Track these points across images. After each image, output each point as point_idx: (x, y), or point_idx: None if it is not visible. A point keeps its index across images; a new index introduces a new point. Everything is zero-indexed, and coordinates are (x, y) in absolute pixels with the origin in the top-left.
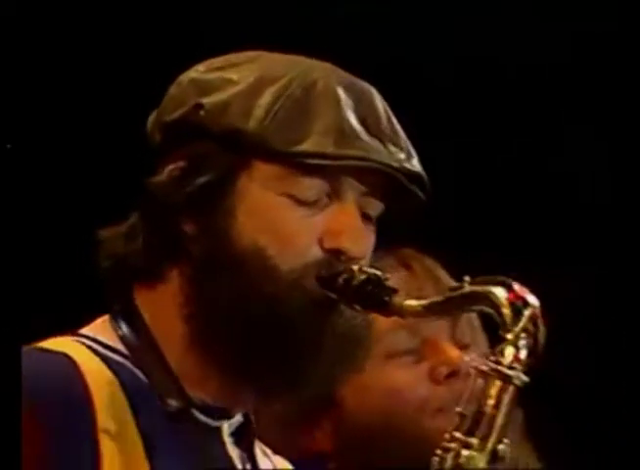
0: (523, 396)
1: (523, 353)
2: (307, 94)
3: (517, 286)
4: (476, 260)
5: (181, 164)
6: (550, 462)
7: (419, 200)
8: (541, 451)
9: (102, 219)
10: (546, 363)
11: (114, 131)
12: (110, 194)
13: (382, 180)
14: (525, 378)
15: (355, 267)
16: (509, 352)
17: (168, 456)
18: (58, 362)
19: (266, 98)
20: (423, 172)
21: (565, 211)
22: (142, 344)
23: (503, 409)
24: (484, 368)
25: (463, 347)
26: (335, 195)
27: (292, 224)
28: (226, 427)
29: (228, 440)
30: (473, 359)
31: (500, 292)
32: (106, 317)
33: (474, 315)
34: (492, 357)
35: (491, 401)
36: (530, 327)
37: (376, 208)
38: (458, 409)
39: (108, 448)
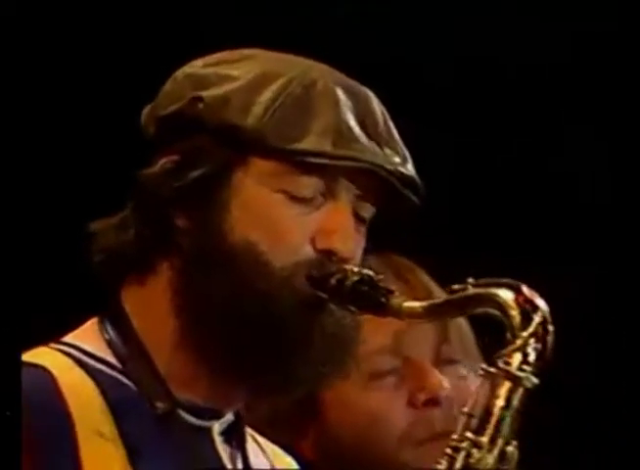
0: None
1: (532, 356)
2: (307, 93)
3: (525, 289)
4: (475, 261)
5: (175, 157)
6: (550, 462)
7: (412, 204)
8: (541, 451)
9: (97, 215)
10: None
11: (110, 129)
12: (105, 190)
13: (376, 182)
14: (535, 380)
15: (348, 267)
16: (518, 354)
17: (155, 461)
18: (32, 376)
19: (266, 95)
20: (417, 177)
21: (565, 210)
22: (129, 348)
23: (512, 411)
24: (493, 370)
25: (451, 362)
26: (329, 194)
27: (285, 221)
28: (216, 427)
29: (218, 439)
30: (454, 386)
31: (507, 294)
32: (94, 320)
33: (465, 329)
34: (501, 359)
35: (500, 402)
36: (540, 330)
37: (369, 209)
38: (466, 410)
39: (89, 459)
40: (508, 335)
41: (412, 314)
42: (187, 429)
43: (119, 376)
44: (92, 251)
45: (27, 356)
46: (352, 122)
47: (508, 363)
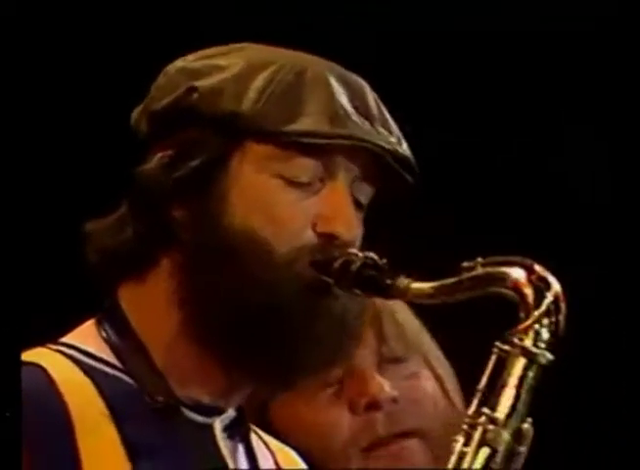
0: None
1: (546, 333)
2: (299, 79)
3: (537, 266)
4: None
5: (171, 150)
6: (550, 462)
7: (408, 184)
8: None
9: (93, 215)
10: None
11: (107, 129)
12: (101, 189)
13: (372, 163)
14: (550, 356)
15: (352, 251)
16: (532, 331)
17: (156, 459)
18: (29, 375)
19: (259, 82)
20: (412, 157)
21: (565, 211)
22: (127, 345)
23: (527, 387)
24: (507, 347)
25: (395, 361)
26: (328, 178)
27: (285, 207)
28: (218, 423)
29: (220, 436)
30: (401, 386)
31: (518, 272)
32: (91, 322)
33: (408, 324)
34: (515, 336)
35: (515, 379)
36: (553, 307)
37: (366, 193)
38: (479, 387)
39: (88, 458)
40: (521, 313)
41: (420, 295)
42: (188, 426)
43: (118, 374)
44: (88, 251)
45: (24, 357)
46: (346, 105)
47: (522, 340)
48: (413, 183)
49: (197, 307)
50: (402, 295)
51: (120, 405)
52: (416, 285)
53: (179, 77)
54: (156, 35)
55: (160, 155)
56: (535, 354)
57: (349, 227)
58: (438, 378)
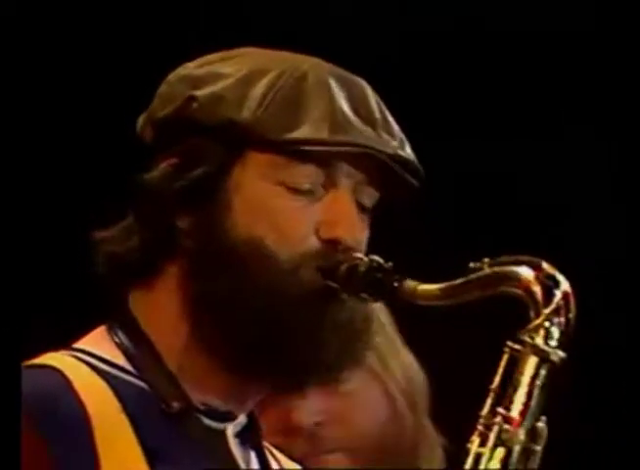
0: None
1: (556, 331)
2: (299, 85)
3: (545, 264)
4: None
5: (174, 159)
6: (550, 462)
7: (412, 188)
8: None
9: (99, 222)
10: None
11: (112, 135)
12: (106, 197)
13: (375, 168)
14: (561, 354)
15: (357, 255)
16: (543, 329)
17: (172, 463)
18: (46, 376)
19: (258, 89)
20: (416, 160)
21: (566, 210)
22: (140, 350)
23: (539, 386)
24: (518, 347)
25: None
26: (330, 184)
27: (289, 214)
28: (230, 429)
29: (233, 441)
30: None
31: (526, 271)
32: (103, 328)
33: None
34: (526, 335)
35: (528, 378)
36: (562, 305)
37: (371, 196)
38: (492, 387)
39: (106, 459)
40: (531, 312)
41: (428, 297)
42: (202, 431)
43: (133, 379)
44: (97, 260)
45: (39, 361)
46: (347, 110)
47: (533, 339)
48: (417, 186)
49: (203, 315)
50: (409, 297)
51: (137, 410)
52: (423, 287)
53: (180, 86)
54: (157, 36)
55: (163, 164)
56: (547, 353)
57: (353, 232)
58: (388, 394)
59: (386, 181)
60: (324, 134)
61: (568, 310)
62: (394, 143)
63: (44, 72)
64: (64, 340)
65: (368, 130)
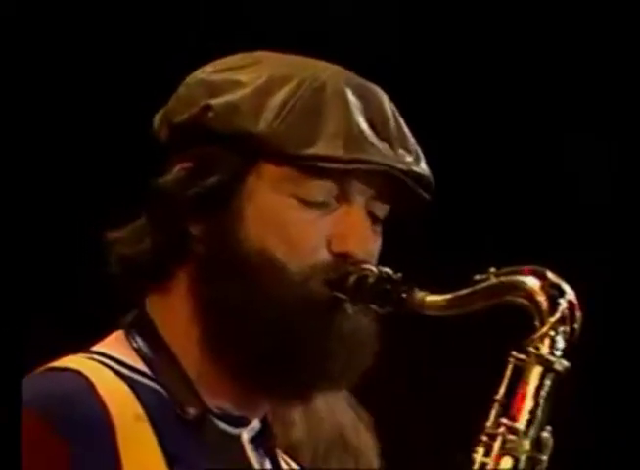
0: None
1: (561, 340)
2: (316, 96)
3: (550, 274)
4: (473, 262)
5: (189, 164)
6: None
7: (425, 202)
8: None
9: (110, 223)
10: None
11: (120, 132)
12: (119, 197)
13: (389, 182)
14: (566, 363)
15: (365, 267)
16: (548, 338)
17: (190, 467)
18: (67, 378)
19: (276, 100)
20: (430, 175)
21: (567, 211)
22: (157, 355)
23: (544, 396)
24: (523, 357)
25: None
26: (343, 198)
27: (300, 226)
28: (245, 434)
29: (248, 447)
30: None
31: (532, 281)
32: (120, 332)
33: None
34: (531, 345)
35: (533, 388)
36: (567, 314)
37: (382, 209)
38: (497, 397)
39: (128, 461)
40: (536, 322)
41: (435, 308)
42: (219, 436)
43: (151, 383)
44: (109, 261)
45: (57, 363)
46: (363, 124)
47: (538, 348)
48: (430, 200)
49: (211, 322)
50: (417, 308)
51: (157, 414)
52: (431, 298)
53: (197, 91)
54: (159, 35)
55: (178, 168)
56: (552, 362)
57: (364, 246)
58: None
59: (398, 195)
60: (339, 151)
61: (573, 319)
62: (409, 158)
63: (52, 73)
64: (63, 341)
65: (383, 145)
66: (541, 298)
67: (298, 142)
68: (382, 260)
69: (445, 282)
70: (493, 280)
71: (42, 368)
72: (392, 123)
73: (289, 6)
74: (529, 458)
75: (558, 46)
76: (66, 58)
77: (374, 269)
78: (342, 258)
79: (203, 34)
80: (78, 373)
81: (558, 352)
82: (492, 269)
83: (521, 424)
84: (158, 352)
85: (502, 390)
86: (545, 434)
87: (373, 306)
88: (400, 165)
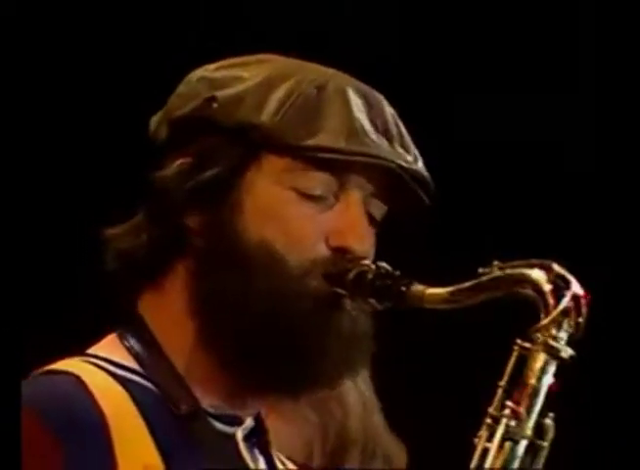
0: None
1: (567, 328)
2: (319, 92)
3: (555, 266)
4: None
5: (189, 158)
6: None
7: (423, 202)
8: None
9: (108, 221)
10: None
11: (120, 133)
12: (116, 195)
13: (388, 180)
14: (570, 351)
15: (364, 262)
16: (553, 327)
17: (186, 466)
18: (62, 381)
19: (279, 93)
20: (429, 177)
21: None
22: (149, 353)
23: (547, 383)
24: (528, 344)
25: None
26: (342, 193)
27: (299, 220)
28: (239, 432)
29: (242, 445)
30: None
31: (537, 272)
32: (113, 335)
33: None
34: (536, 333)
35: (537, 374)
36: (572, 305)
37: (380, 209)
38: (501, 383)
39: (124, 460)
40: (541, 312)
41: (436, 301)
42: (213, 434)
43: (144, 382)
44: (105, 258)
45: (55, 367)
46: (364, 121)
47: (543, 336)
48: (429, 202)
49: (208, 316)
50: (417, 301)
51: (152, 414)
52: (431, 291)
53: (200, 86)
54: (159, 35)
55: (178, 162)
56: (557, 349)
57: (362, 241)
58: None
59: (397, 195)
60: (341, 143)
61: (578, 310)
62: (409, 157)
63: (52, 73)
64: (62, 342)
65: (384, 143)
66: (547, 288)
67: (300, 134)
68: (382, 260)
69: (445, 282)
70: (497, 272)
71: (38, 371)
72: (392, 125)
73: (289, 6)
74: (530, 444)
75: (558, 46)
76: (65, 58)
77: (372, 265)
78: (341, 253)
79: (203, 34)
80: (73, 375)
81: (563, 341)
82: (496, 262)
83: (523, 409)
84: (149, 350)
85: (506, 377)
86: (547, 420)
87: (372, 301)
88: (400, 161)
